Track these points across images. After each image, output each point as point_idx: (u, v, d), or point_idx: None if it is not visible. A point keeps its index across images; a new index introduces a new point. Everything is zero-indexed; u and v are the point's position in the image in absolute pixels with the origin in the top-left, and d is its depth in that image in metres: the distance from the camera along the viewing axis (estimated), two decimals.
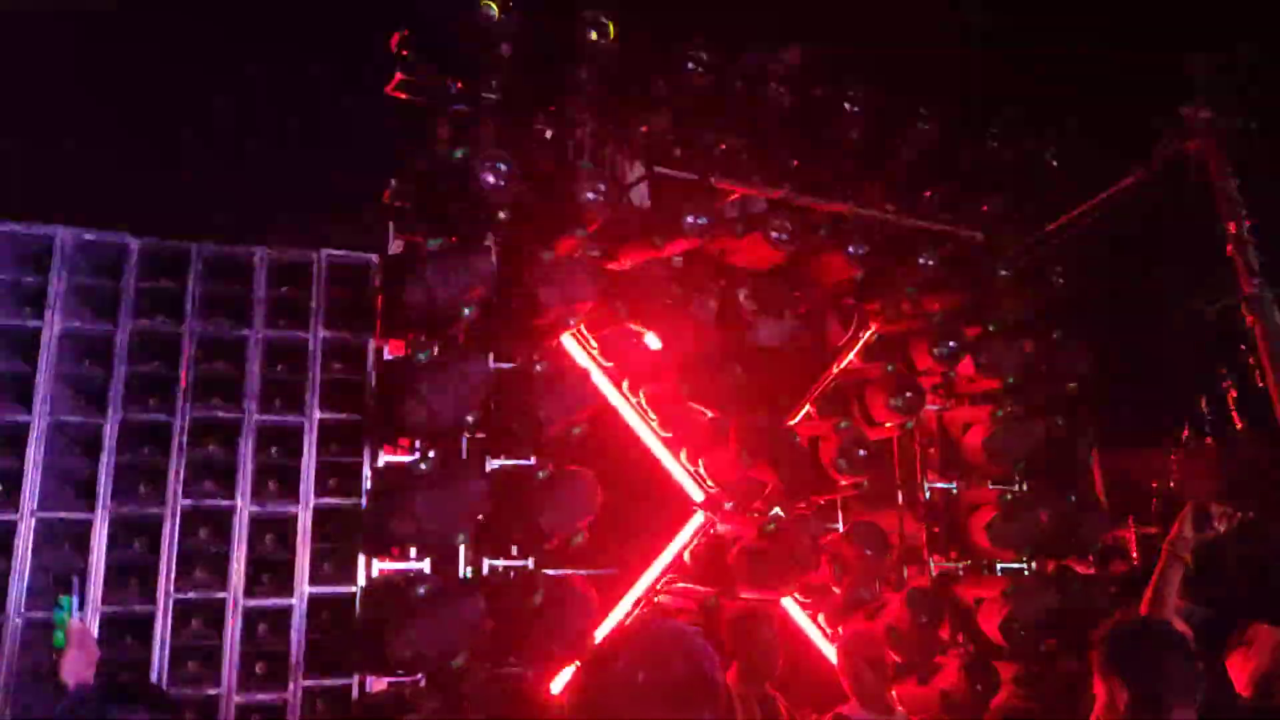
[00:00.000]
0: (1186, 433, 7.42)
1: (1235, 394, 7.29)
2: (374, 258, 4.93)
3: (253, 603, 4.26)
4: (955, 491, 6.69)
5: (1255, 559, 6.29)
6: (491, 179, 5.45)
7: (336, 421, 4.59)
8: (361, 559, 4.34)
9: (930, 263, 6.27)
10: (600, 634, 5.91)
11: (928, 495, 6.72)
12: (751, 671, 4.83)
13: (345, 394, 4.62)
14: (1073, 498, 6.63)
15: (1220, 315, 7.61)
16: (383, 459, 5.17)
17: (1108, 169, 7.29)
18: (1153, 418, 8.29)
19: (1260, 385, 6.40)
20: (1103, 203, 6.96)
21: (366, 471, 4.47)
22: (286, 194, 4.85)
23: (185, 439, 4.46)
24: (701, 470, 6.50)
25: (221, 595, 4.22)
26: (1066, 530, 6.52)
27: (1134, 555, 7.47)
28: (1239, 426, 7.22)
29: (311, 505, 4.35)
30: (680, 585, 6.26)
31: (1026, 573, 6.40)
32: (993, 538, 6.30)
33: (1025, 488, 6.56)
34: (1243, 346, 7.07)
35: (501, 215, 5.36)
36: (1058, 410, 6.62)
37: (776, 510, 6.41)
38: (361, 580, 4.80)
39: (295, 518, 4.34)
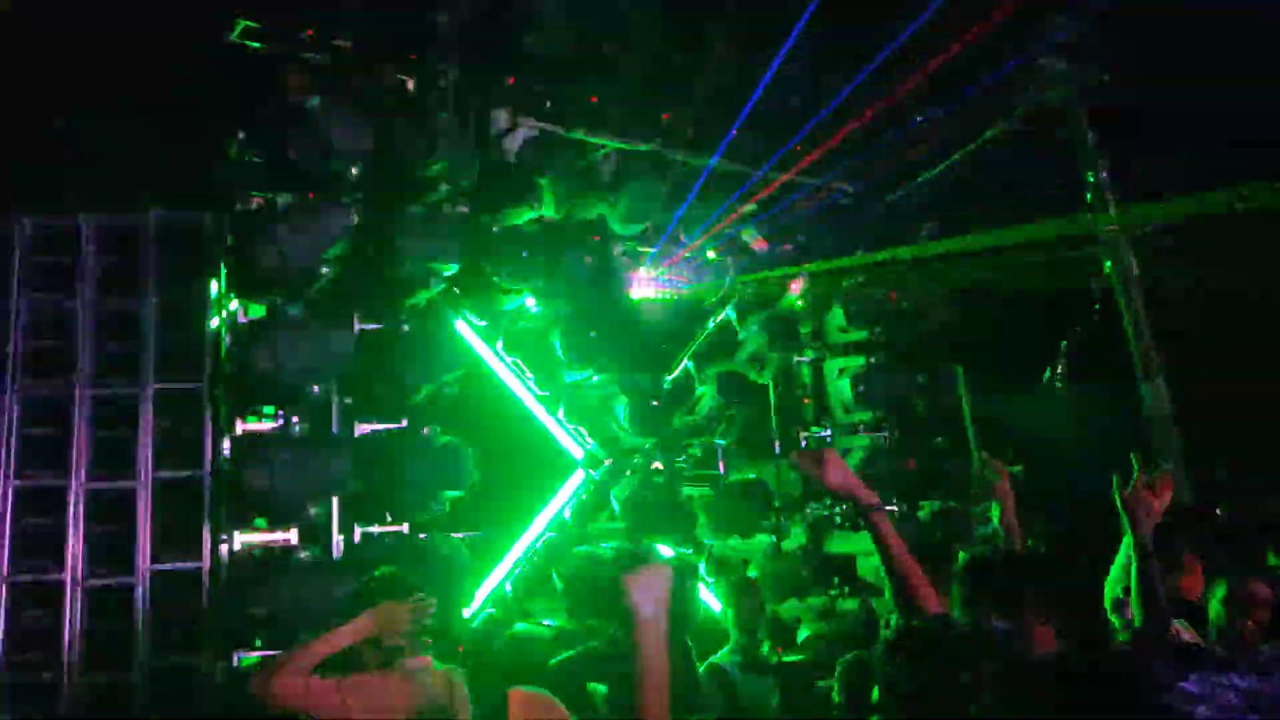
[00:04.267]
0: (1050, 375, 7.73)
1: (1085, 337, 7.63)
2: (206, 217, 4.65)
3: (94, 583, 4.04)
4: (830, 440, 6.84)
5: None
6: (347, 131, 5.24)
7: (176, 392, 4.34)
8: (206, 533, 4.15)
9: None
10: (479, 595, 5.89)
11: (805, 445, 6.85)
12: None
13: (182, 363, 4.37)
14: (939, 441, 6.90)
15: (1080, 260, 7.93)
16: (240, 427, 4.96)
17: (972, 121, 7.45)
18: (1021, 362, 8.56)
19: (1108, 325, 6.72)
20: (967, 155, 7.13)
21: (208, 442, 4.24)
22: (107, 155, 4.51)
23: (17, 417, 4.20)
24: (581, 428, 6.48)
25: (58, 576, 3.99)
26: (936, 473, 6.77)
27: None
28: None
29: (150, 480, 4.12)
30: None
31: (896, 514, 6.61)
32: (868, 480, 6.48)
33: (895, 434, 6.75)
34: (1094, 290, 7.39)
35: (355, 170, 5.15)
36: (925, 358, 6.82)
37: (657, 464, 6.46)
38: (223, 553, 4.62)
39: (134, 493, 4.11)
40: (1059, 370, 7.59)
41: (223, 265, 4.90)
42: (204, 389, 4.35)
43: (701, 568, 6.33)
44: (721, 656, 5.13)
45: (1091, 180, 8.22)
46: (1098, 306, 7.93)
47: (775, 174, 6.33)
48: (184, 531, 4.12)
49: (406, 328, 5.50)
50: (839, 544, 6.66)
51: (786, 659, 5.24)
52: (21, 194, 4.64)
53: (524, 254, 5.99)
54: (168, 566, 4.04)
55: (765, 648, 5.56)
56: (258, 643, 4.58)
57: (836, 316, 6.67)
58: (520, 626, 5.85)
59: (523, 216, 6.11)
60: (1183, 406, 7.34)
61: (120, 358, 4.30)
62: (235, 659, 4.56)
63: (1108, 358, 7.91)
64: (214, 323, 4.77)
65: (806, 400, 6.87)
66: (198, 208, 4.94)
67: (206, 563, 4.10)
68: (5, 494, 4.10)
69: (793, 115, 6.29)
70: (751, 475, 6.72)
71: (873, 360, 6.59)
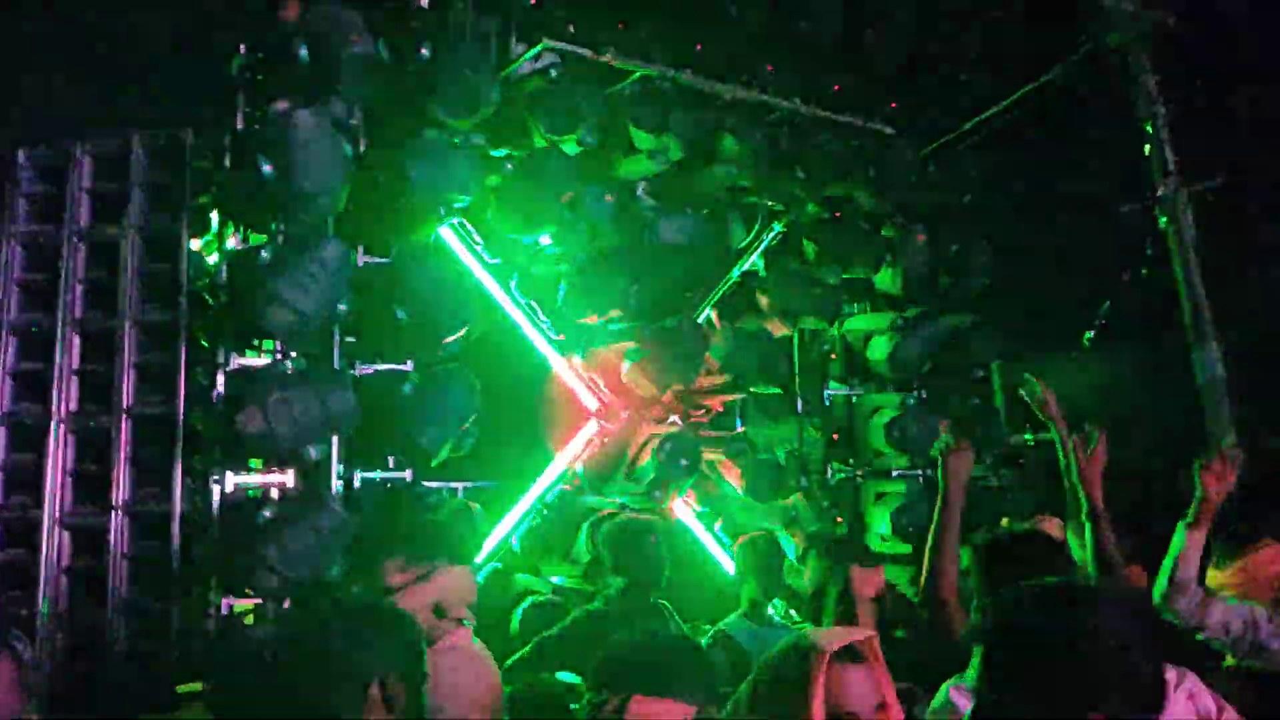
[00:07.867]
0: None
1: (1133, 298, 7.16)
2: (188, 134, 4.31)
3: (72, 520, 3.83)
4: (855, 399, 6.51)
5: None
6: (355, 48, 4.89)
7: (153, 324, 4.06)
8: (177, 473, 3.89)
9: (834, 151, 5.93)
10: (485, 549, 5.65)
11: (828, 403, 6.51)
12: (636, 583, 4.53)
13: (162, 292, 4.09)
14: (976, 401, 6.56)
15: (1132, 216, 7.41)
16: (235, 362, 4.71)
17: (1029, 63, 6.93)
18: (1060, 323, 8.13)
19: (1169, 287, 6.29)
20: (1021, 97, 6.64)
21: (181, 377, 3.97)
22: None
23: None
24: (596, 377, 6.18)
25: (36, 512, 3.79)
26: (967, 436, 6.42)
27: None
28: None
29: (127, 415, 3.87)
30: None
31: (920, 478, 6.27)
32: (893, 442, 6.18)
33: (925, 394, 6.41)
34: (1149, 251, 6.91)
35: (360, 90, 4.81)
36: (959, 313, 6.44)
37: (674, 418, 6.16)
38: (215, 495, 4.40)
39: (108, 429, 3.87)
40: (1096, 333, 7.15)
41: (216, 188, 4.60)
42: (179, 320, 4.04)
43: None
44: (729, 622, 4.91)
45: (1150, 130, 7.68)
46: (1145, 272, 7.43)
47: (810, 109, 5.91)
48: (160, 470, 3.88)
49: (415, 263, 5.19)
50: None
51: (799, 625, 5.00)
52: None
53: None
54: (140, 507, 3.80)
55: (780, 610, 5.32)
56: (248, 591, 4.41)
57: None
58: (522, 578, 5.66)
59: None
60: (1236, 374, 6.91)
61: (101, 288, 4.02)
62: (225, 607, 4.39)
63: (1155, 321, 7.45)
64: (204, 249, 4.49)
65: (834, 356, 6.52)
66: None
67: (177, 505, 3.84)
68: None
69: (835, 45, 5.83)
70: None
71: (907, 315, 6.21)
